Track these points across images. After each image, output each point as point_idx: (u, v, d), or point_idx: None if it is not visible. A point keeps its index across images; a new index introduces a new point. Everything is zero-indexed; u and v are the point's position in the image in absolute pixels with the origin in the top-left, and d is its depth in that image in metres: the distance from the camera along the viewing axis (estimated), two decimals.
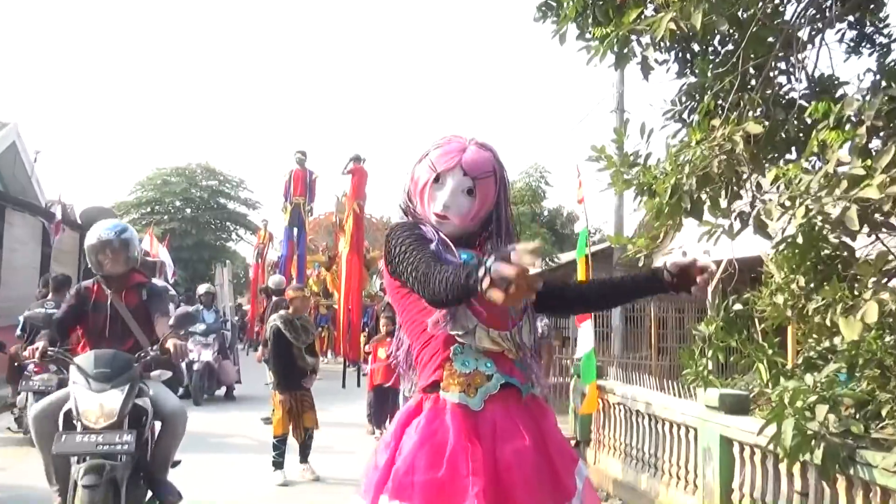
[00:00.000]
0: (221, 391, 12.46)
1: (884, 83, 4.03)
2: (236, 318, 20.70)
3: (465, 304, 2.00)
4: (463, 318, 2.06)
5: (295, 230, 17.28)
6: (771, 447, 4.41)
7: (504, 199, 2.25)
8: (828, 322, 3.45)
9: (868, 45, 5.02)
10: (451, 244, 2.12)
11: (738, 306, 5.24)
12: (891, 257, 3.43)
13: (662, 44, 4.67)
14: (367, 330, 15.55)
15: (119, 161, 75.46)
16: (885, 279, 3.56)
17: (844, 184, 3.04)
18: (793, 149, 4.58)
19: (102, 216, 24.56)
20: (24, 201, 17.00)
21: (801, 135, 4.41)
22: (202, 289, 13.19)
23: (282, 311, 7.09)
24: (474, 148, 2.18)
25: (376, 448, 2.18)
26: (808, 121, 4.45)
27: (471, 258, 2.10)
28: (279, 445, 6.68)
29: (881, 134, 3.52)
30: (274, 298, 12.13)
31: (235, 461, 7.52)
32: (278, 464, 6.67)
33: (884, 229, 3.42)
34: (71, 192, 64.81)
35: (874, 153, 3.24)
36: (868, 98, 3.46)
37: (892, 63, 4.44)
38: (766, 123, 4.28)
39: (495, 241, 2.24)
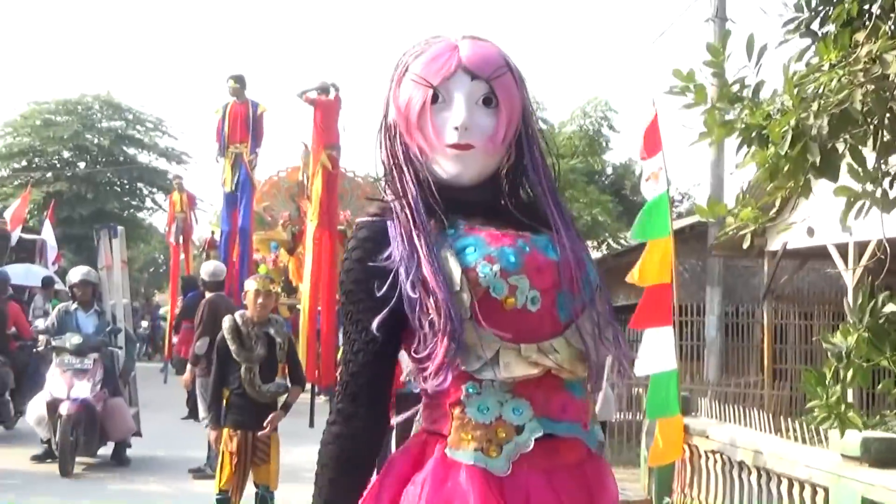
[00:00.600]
0: (109, 448, 10.96)
1: None
2: (144, 324, 20.13)
3: (476, 325, 1.88)
4: (477, 347, 1.90)
5: (240, 196, 16.41)
6: None
7: (529, 113, 2.13)
8: None
9: None
10: (430, 233, 1.95)
11: (891, 308, 5.23)
12: None
13: None
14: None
15: None
16: None
17: None
18: None
19: None
20: None
21: None
22: (76, 274, 11.27)
23: (240, 312, 7.05)
24: (469, 42, 2.04)
25: None
26: None
27: (513, 258, 1.93)
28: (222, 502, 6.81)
29: None
30: (208, 296, 11.50)
31: None
32: None
33: None
34: None
35: None
36: None
37: None
38: None
39: (529, 173, 2.12)
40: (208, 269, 12.46)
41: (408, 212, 1.97)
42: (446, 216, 1.99)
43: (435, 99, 1.98)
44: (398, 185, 2.04)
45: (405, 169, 2.04)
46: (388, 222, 1.99)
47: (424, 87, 1.98)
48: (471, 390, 1.92)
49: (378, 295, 1.90)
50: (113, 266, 12.80)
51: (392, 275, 1.91)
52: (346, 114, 13.89)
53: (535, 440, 1.89)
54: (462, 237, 1.96)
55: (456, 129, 1.95)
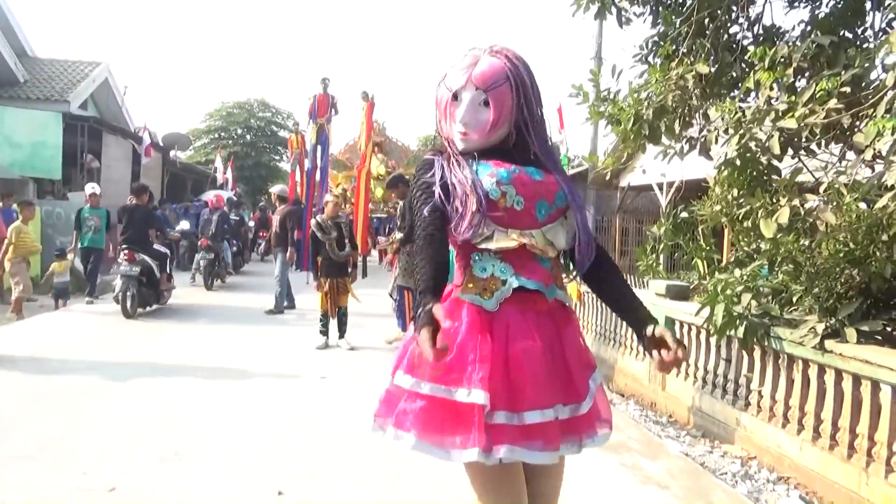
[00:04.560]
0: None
1: (814, 32, 3.92)
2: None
3: (483, 213, 1.69)
4: (483, 227, 1.71)
5: (319, 147, 15.04)
6: (705, 325, 4.53)
7: (525, 103, 1.79)
8: (750, 224, 3.47)
9: (804, 1, 4.85)
10: (462, 162, 1.75)
11: (684, 214, 5.27)
12: (804, 176, 3.42)
13: None
14: (383, 231, 16.07)
15: (191, 94, 74.31)
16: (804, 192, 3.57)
17: (773, 115, 3.00)
18: (737, 88, 4.49)
19: (180, 141, 24.10)
20: (118, 127, 16.88)
21: (743, 74, 4.32)
22: None
23: (317, 217, 6.98)
24: (486, 59, 1.77)
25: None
26: (751, 62, 4.37)
27: (505, 175, 1.72)
28: (322, 318, 6.90)
29: (806, 74, 3.45)
30: (284, 206, 9.84)
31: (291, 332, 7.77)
32: (323, 332, 6.90)
33: (803, 152, 3.40)
34: (153, 120, 64.16)
35: (799, 90, 3.19)
36: (797, 43, 3.38)
37: (820, 14, 4.29)
38: (715, 65, 4.19)
39: (528, 141, 1.81)
40: (278, 189, 10.53)
41: (451, 150, 1.80)
42: (474, 156, 1.80)
43: (455, 97, 1.77)
44: (445, 139, 1.85)
45: (444, 134, 1.85)
46: (434, 159, 1.79)
47: (448, 90, 1.78)
48: (476, 257, 1.75)
49: (427, 196, 1.72)
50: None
51: (433, 185, 1.73)
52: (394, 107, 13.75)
53: (513, 290, 1.71)
54: (479, 163, 1.77)
55: (459, 121, 1.76)
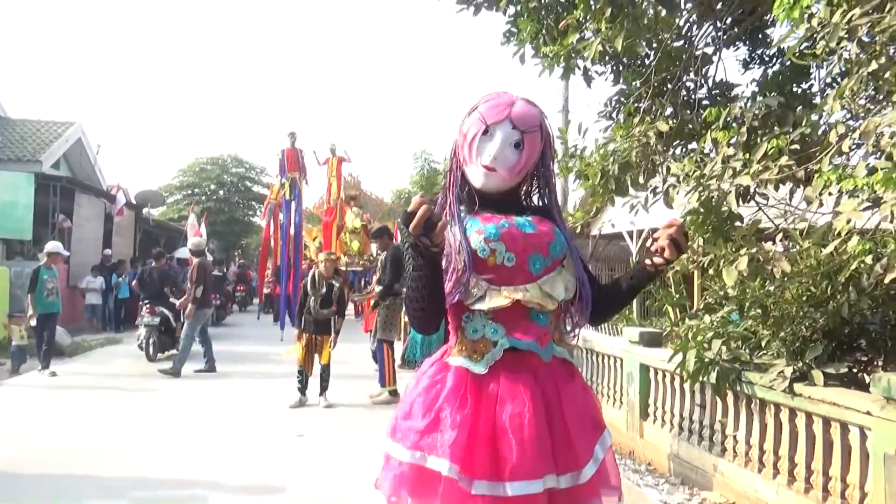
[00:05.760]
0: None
1: (765, 93, 4.16)
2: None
3: (473, 273, 1.64)
4: (473, 287, 1.65)
5: (293, 203, 14.83)
6: (678, 371, 4.60)
7: (549, 155, 1.82)
8: (714, 273, 3.60)
9: (757, 62, 5.16)
10: (454, 216, 1.71)
11: None
12: (764, 223, 3.59)
13: (600, 60, 4.76)
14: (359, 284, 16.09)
15: (163, 151, 74.26)
16: (763, 240, 3.72)
17: (730, 172, 3.17)
18: (696, 140, 4.71)
19: (153, 198, 23.80)
20: (90, 186, 16.81)
21: (701, 129, 4.53)
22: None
23: (316, 270, 6.98)
24: (522, 103, 1.74)
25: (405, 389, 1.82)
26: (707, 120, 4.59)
27: (494, 231, 1.68)
28: (299, 374, 6.83)
29: (759, 132, 3.65)
30: (197, 260, 9.01)
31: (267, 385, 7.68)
32: (300, 389, 6.82)
33: (759, 197, 3.57)
34: (126, 177, 63.74)
35: (753, 148, 3.38)
36: (748, 105, 3.59)
37: (770, 76, 4.56)
38: (674, 122, 4.39)
39: (539, 193, 1.85)
40: (195, 242, 9.69)
41: (450, 197, 1.76)
42: (471, 202, 1.77)
43: (486, 132, 1.72)
44: (449, 180, 1.79)
45: (455, 171, 1.79)
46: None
47: (481, 123, 1.72)
48: (466, 317, 1.70)
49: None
50: None
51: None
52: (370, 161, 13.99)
53: (504, 351, 1.66)
54: (468, 217, 1.73)
55: (490, 156, 1.70)
